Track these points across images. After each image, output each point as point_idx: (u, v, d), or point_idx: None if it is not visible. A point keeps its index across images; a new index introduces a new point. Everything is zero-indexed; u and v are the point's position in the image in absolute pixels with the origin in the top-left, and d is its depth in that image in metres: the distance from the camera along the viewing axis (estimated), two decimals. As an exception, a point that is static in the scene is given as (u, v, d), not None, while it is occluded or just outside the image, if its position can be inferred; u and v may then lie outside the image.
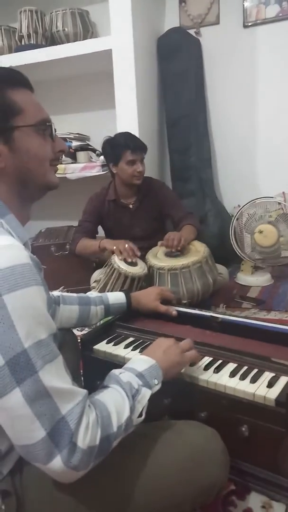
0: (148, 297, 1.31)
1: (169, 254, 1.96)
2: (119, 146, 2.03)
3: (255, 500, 0.97)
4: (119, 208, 2.15)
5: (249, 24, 2.94)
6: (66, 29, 2.77)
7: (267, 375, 1.01)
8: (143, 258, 1.98)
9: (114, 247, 1.91)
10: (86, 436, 0.66)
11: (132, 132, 2.19)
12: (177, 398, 1.03)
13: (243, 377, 1.01)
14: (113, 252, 1.91)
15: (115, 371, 0.82)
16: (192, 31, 3.01)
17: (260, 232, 2.48)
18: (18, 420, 0.64)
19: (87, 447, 0.66)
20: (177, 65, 2.87)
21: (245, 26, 2.95)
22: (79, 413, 0.66)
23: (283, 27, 2.85)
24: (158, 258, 1.94)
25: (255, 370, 1.03)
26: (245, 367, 1.05)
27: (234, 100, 3.06)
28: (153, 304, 1.30)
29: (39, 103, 0.81)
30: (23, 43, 2.87)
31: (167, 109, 3.00)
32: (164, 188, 2.28)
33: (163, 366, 0.87)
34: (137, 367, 0.83)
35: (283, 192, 2.89)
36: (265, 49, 2.92)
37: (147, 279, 1.87)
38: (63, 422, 0.64)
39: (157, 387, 0.83)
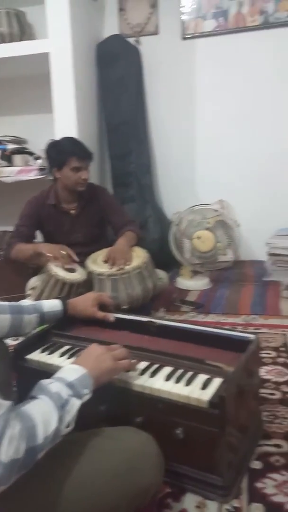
0: (85, 303, 1.30)
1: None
2: (65, 152, 1.98)
3: (190, 501, 0.99)
4: (60, 213, 2.11)
5: (188, 36, 3.04)
6: (0, 29, 2.68)
7: (202, 378, 1.03)
8: (83, 264, 1.95)
9: (49, 254, 1.86)
10: (10, 449, 0.64)
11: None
12: (113, 405, 1.02)
13: (178, 380, 1.02)
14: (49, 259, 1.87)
15: (44, 381, 0.81)
16: (132, 40, 3.05)
17: (198, 238, 2.55)
18: None
19: (9, 460, 0.64)
20: (117, 72, 2.90)
21: (183, 38, 3.05)
22: (1, 425, 0.64)
23: (220, 41, 2.98)
24: (98, 263, 1.92)
25: (190, 373, 1.05)
26: (181, 371, 1.06)
27: (173, 109, 3.13)
28: (90, 310, 1.29)
29: None
30: None
31: (107, 115, 3.01)
32: (106, 194, 2.27)
33: (94, 374, 0.86)
34: (67, 377, 0.83)
35: (221, 200, 3.00)
36: (203, 61, 3.04)
37: (87, 285, 1.84)
38: None
39: (87, 397, 0.83)
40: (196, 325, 1.30)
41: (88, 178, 2.06)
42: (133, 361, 1.03)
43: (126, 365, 0.98)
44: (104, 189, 2.35)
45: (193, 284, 2.66)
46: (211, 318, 2.18)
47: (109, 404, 1.02)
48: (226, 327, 1.91)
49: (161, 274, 2.14)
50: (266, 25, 2.89)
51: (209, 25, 2.99)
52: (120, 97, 2.93)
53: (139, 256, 1.95)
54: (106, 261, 1.92)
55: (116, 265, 1.86)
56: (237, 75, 2.99)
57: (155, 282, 1.97)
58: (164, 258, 2.60)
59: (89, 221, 2.14)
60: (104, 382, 0.90)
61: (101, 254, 1.98)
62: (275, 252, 2.68)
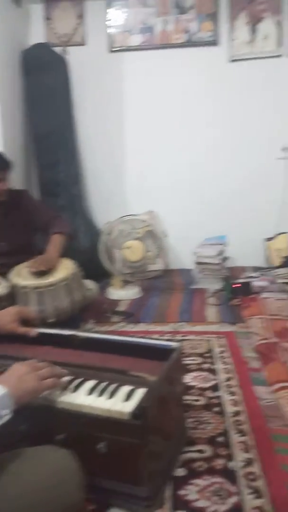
0: (4, 318, 1.24)
1: (34, 272, 1.89)
2: None
3: (114, 516, 0.98)
4: (-20, 223, 2.02)
5: (115, 49, 3.08)
6: None
7: (125, 389, 1.03)
8: (5, 276, 1.87)
9: None
10: None
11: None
12: (34, 423, 0.98)
13: (101, 394, 1.01)
14: None
15: None
16: (59, 49, 3.02)
17: (128, 247, 2.58)
18: None
19: None
20: (43, 80, 2.86)
21: (111, 51, 3.08)
22: None
23: (147, 56, 3.06)
24: (22, 276, 1.86)
25: (114, 385, 1.04)
26: (104, 383, 1.05)
27: (102, 120, 3.15)
28: (9, 326, 1.24)
29: None
30: None
31: (34, 124, 2.95)
32: (30, 196, 2.26)
33: (15, 394, 0.84)
34: None
35: (150, 210, 3.06)
36: (131, 74, 3.09)
37: (10, 299, 1.77)
38: None
39: (7, 417, 0.80)
40: (125, 335, 1.31)
41: (8, 188, 1.99)
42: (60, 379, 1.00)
43: (51, 384, 0.96)
44: (26, 191, 2.31)
45: (123, 293, 2.67)
46: (140, 327, 2.19)
47: (30, 423, 0.98)
48: (154, 335, 1.94)
49: (90, 284, 2.13)
50: (190, 43, 3.02)
51: (136, 39, 3.06)
52: (47, 107, 2.88)
53: (66, 267, 1.92)
54: (32, 271, 1.86)
55: (35, 268, 1.83)
56: (163, 89, 3.08)
57: (83, 293, 1.95)
58: (95, 268, 2.59)
59: (14, 228, 2.07)
60: (26, 402, 0.88)
61: (26, 266, 1.92)
62: (201, 261, 2.79)
